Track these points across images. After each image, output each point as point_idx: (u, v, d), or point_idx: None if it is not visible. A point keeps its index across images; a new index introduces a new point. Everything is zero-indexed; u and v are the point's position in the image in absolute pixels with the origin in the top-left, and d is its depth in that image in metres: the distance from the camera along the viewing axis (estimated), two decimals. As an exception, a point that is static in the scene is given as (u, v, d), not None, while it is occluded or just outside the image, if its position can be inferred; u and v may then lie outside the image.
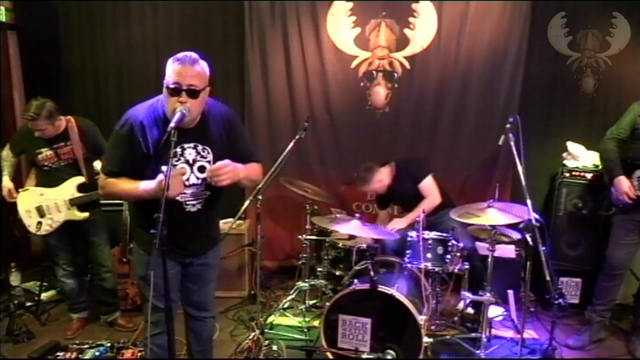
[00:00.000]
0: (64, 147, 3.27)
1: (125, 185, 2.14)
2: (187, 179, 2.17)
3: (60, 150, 3.27)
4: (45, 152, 3.25)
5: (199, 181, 2.20)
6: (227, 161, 2.10)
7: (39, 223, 3.31)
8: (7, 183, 3.39)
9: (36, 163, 3.30)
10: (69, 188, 3.30)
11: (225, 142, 2.24)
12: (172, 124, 1.94)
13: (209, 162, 2.20)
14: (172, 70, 2.04)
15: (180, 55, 2.06)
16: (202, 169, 2.19)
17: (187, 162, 2.17)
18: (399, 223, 3.61)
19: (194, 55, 2.08)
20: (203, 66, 2.10)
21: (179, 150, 2.12)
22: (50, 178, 3.31)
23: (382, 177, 3.65)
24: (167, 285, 1.99)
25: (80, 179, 3.31)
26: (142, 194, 2.08)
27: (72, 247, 3.48)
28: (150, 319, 2.01)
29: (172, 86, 2.03)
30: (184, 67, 2.03)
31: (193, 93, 2.04)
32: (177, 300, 2.41)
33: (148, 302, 1.93)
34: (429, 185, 3.60)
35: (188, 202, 2.21)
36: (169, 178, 1.90)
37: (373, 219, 4.06)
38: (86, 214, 3.33)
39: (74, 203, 3.30)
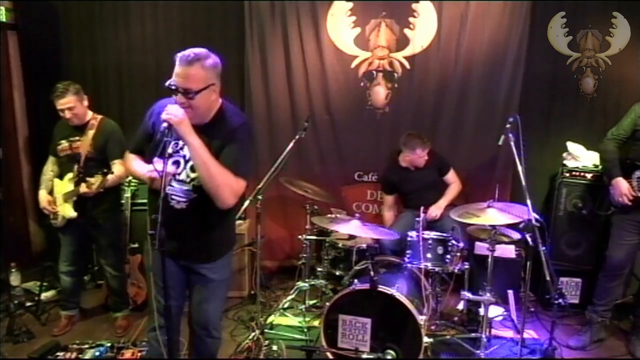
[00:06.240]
0: (78, 141, 3.29)
1: (135, 162, 2.31)
2: (179, 174, 2.18)
3: (74, 143, 3.30)
4: (64, 144, 3.31)
5: (189, 179, 2.18)
6: (181, 114, 2.02)
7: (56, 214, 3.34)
8: (45, 196, 3.35)
9: (57, 155, 3.36)
10: (68, 182, 3.29)
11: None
12: (161, 128, 2.02)
13: None
14: (175, 68, 2.06)
15: (185, 52, 2.06)
16: (194, 169, 2.14)
17: (183, 157, 2.17)
18: (439, 207, 3.77)
19: (195, 53, 2.06)
20: (203, 65, 2.06)
21: (180, 143, 2.14)
22: (61, 168, 3.35)
23: (426, 153, 3.82)
24: (167, 284, 1.99)
25: (71, 175, 3.29)
26: (142, 175, 2.21)
27: (75, 247, 3.46)
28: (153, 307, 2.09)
29: (169, 86, 2.06)
30: (180, 68, 2.05)
31: (188, 94, 2.05)
32: (180, 299, 2.39)
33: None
34: (454, 174, 3.98)
35: (174, 197, 2.18)
36: (165, 177, 1.97)
37: (373, 219, 4.06)
38: (74, 214, 3.27)
39: (65, 199, 3.28)
